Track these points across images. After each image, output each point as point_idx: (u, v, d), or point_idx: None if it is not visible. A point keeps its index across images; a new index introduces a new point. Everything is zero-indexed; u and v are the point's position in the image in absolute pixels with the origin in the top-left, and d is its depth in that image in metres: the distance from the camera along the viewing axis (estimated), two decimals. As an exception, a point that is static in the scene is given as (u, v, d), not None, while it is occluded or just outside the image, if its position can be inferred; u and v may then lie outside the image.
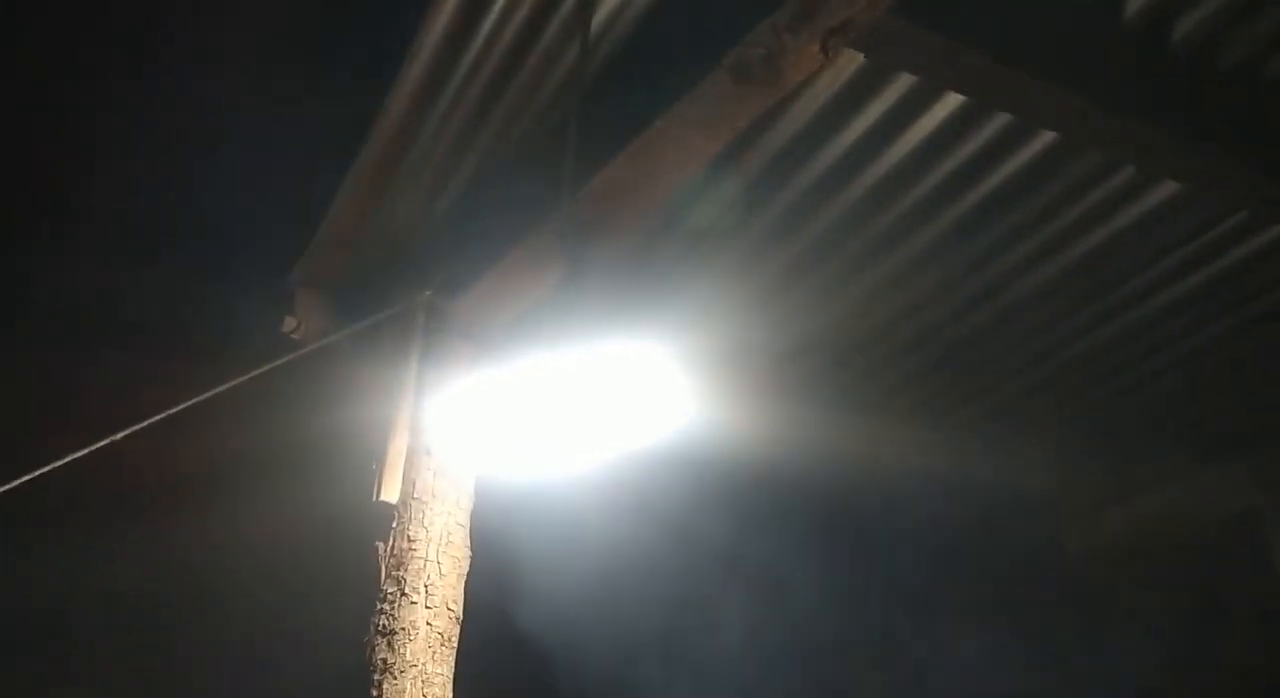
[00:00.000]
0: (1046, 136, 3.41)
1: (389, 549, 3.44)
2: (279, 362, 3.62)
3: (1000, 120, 3.38)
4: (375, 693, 3.24)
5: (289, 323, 3.97)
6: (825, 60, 2.87)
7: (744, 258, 3.89)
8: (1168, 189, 3.59)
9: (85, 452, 3.25)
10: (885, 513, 4.65)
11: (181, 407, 3.41)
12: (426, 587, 3.37)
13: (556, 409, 3.42)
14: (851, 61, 3.18)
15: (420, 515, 3.47)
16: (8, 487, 3.06)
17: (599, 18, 3.05)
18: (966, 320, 4.24)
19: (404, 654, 3.28)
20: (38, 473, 3.14)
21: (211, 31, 3.71)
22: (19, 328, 3.97)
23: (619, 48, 3.17)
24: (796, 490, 4.47)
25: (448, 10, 3.05)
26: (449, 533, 3.49)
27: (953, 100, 3.32)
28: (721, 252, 3.87)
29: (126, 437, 3.25)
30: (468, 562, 3.48)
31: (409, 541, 3.44)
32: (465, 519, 3.54)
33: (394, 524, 3.47)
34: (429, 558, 3.42)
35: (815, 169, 3.57)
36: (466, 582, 3.44)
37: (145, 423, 3.35)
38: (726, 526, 4.56)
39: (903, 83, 3.28)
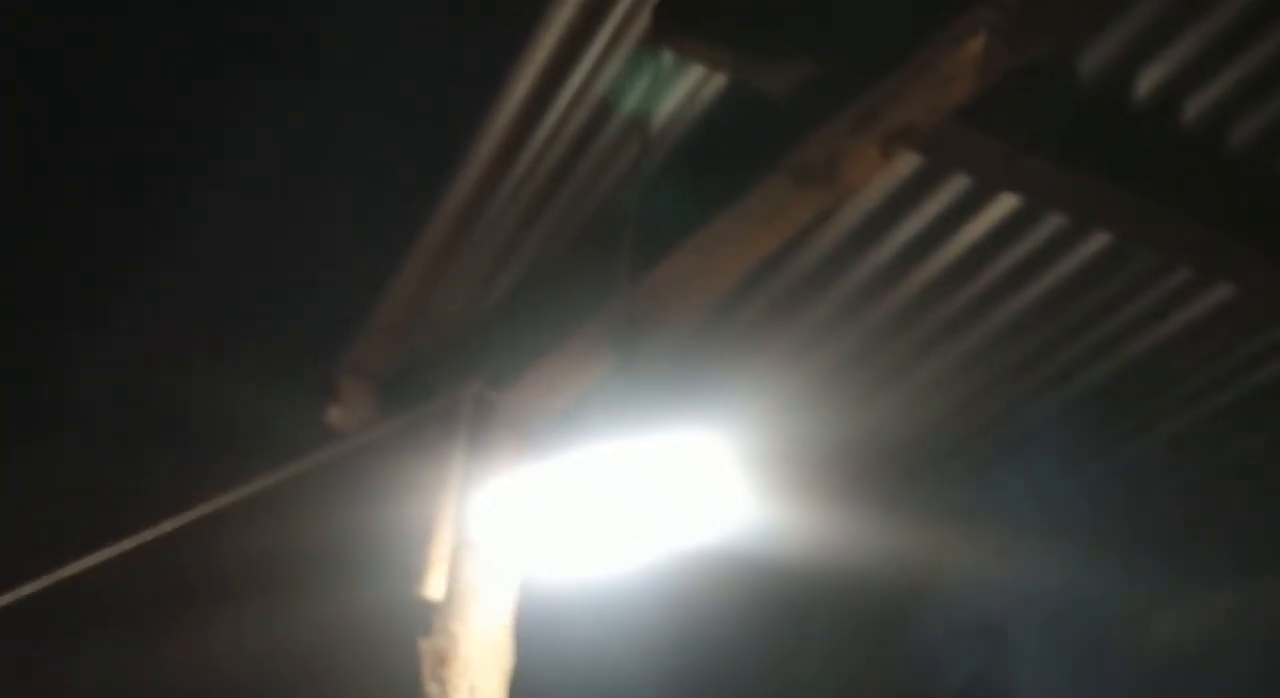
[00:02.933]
0: (1102, 238, 3.40)
1: (431, 647, 3.38)
2: (323, 455, 3.60)
3: (1055, 221, 3.38)
4: (417, 796, 3.17)
5: (334, 413, 3.95)
6: (885, 163, 2.89)
7: (794, 351, 3.87)
8: (1225, 291, 3.56)
9: (126, 547, 3.22)
10: (937, 617, 4.56)
11: (222, 502, 3.39)
12: (470, 687, 3.30)
13: (604, 505, 3.38)
14: (909, 161, 3.19)
15: (464, 613, 3.41)
16: (47, 582, 3.02)
17: (661, 114, 3.06)
18: (1014, 421, 4.19)
19: (448, 756, 3.20)
20: (77, 568, 3.11)
21: (265, 118, 3.75)
22: (58, 425, 3.95)
23: (680, 144, 3.17)
24: (844, 591, 4.38)
25: (512, 103, 3.06)
26: (493, 631, 3.42)
27: (1008, 201, 3.32)
28: (772, 344, 3.85)
29: (168, 534, 3.22)
30: (511, 661, 3.42)
31: (452, 638, 3.38)
32: (509, 617, 3.48)
33: (437, 621, 3.41)
34: (472, 656, 3.36)
35: (869, 264, 3.56)
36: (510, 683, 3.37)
37: (187, 518, 3.33)
38: (775, 626, 4.47)
39: (958, 183, 3.28)
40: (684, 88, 3.03)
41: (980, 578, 4.55)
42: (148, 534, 3.26)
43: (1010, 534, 4.50)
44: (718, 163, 3.09)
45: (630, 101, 3.06)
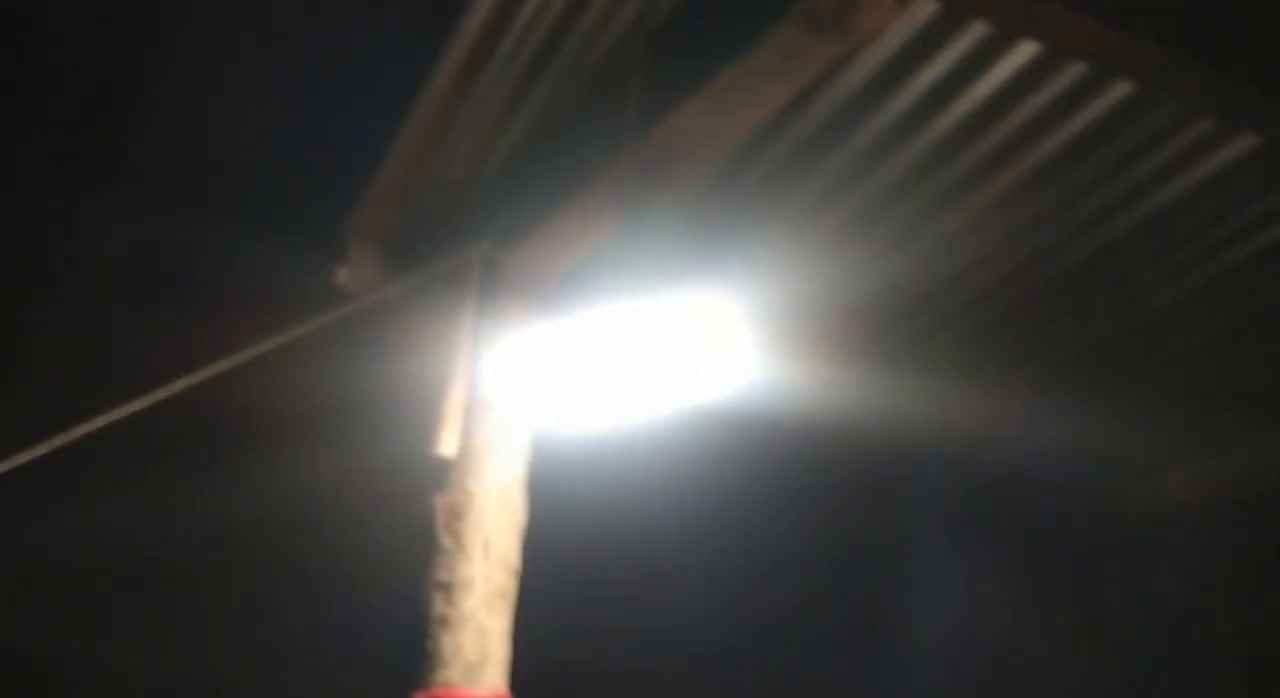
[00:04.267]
0: (1123, 87, 3.31)
1: (446, 503, 3.43)
2: (332, 314, 3.60)
3: (1075, 70, 3.28)
4: (433, 646, 3.25)
5: (342, 274, 3.94)
6: (899, 8, 2.81)
7: (808, 207, 3.80)
8: (1247, 142, 3.48)
9: (144, 403, 3.26)
10: (946, 473, 4.59)
11: (236, 359, 3.41)
12: (484, 540, 3.35)
13: (615, 362, 3.39)
14: (924, 9, 3.09)
15: (478, 469, 3.45)
16: (71, 436, 3.07)
17: (666, -38, 2.97)
18: (1033, 275, 4.15)
19: (462, 608, 3.27)
20: (100, 423, 3.15)
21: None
22: (77, 281, 3.97)
23: (686, -8, 3.09)
24: (855, 449, 4.41)
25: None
26: (506, 487, 3.47)
27: (1027, 48, 3.22)
28: (785, 201, 3.79)
29: (185, 389, 3.26)
30: (525, 516, 3.47)
31: (466, 494, 3.42)
32: (522, 473, 3.51)
33: (451, 478, 3.45)
34: (486, 512, 3.41)
35: (884, 117, 3.48)
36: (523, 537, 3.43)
37: (203, 375, 3.35)
38: (783, 485, 4.51)
39: (976, 30, 3.18)
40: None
41: (993, 434, 4.57)
42: (174, 386, 3.29)
43: (1026, 390, 4.50)
44: (727, 10, 3.00)
45: (636, -53, 2.97)
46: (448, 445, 3.48)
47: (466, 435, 3.50)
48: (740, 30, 2.93)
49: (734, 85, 2.97)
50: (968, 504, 4.88)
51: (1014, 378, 4.57)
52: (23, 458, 3.21)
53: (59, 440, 3.21)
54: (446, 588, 3.30)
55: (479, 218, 3.79)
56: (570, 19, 3.20)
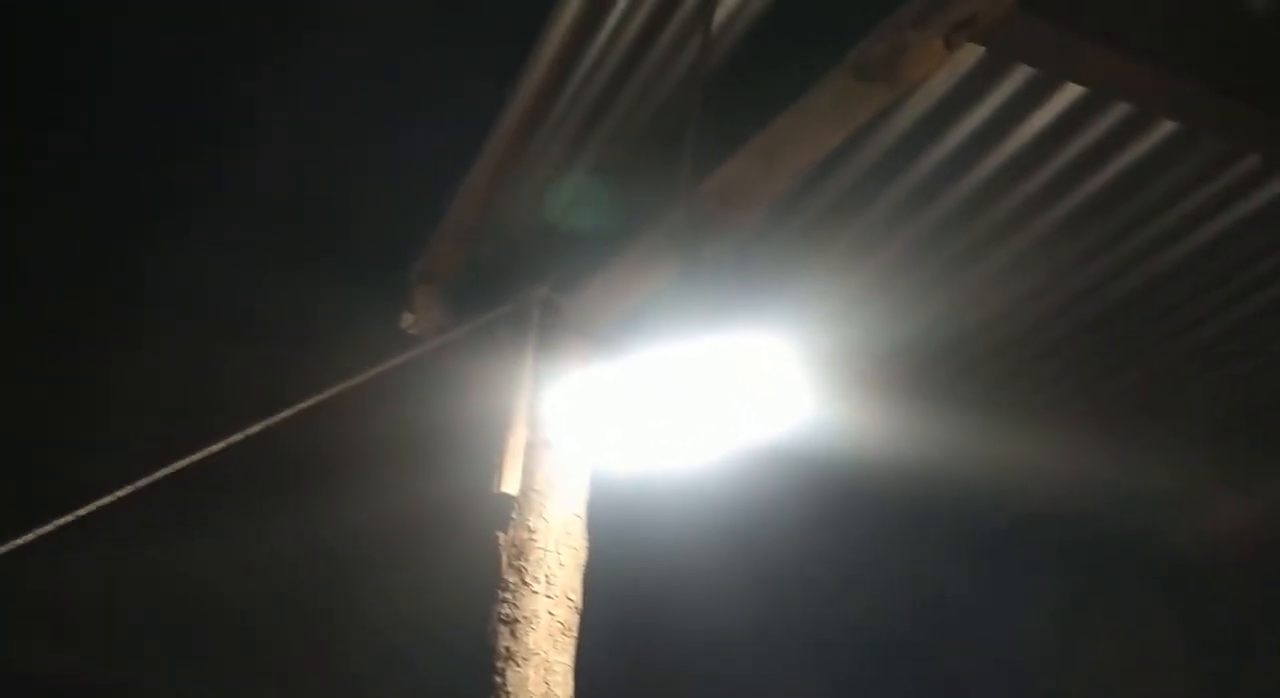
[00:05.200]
0: (1166, 127, 3.37)
1: (509, 540, 3.51)
2: (399, 358, 3.71)
3: (1119, 110, 3.35)
4: (498, 681, 3.32)
5: (407, 318, 4.06)
6: (948, 56, 2.88)
7: (856, 249, 3.89)
8: (1291, 177, 3.53)
9: (217, 446, 3.36)
10: (991, 507, 4.62)
11: (307, 403, 3.51)
12: (547, 576, 3.43)
13: (671, 403, 3.47)
14: (970, 54, 3.17)
15: (540, 507, 3.54)
16: (153, 478, 3.17)
17: (721, 12, 3.08)
18: (1076, 312, 4.20)
19: (526, 643, 3.35)
20: (175, 466, 3.26)
21: (339, 30, 3.79)
22: (148, 320, 4.09)
23: (740, 42, 3.19)
24: (903, 487, 4.45)
25: (572, 8, 3.09)
26: (567, 524, 3.55)
27: (1071, 91, 3.29)
28: (834, 243, 3.87)
29: (258, 431, 3.36)
30: (585, 552, 3.55)
31: (529, 531, 3.51)
32: (582, 510, 3.60)
33: (514, 515, 3.54)
34: (549, 548, 3.49)
35: (930, 160, 3.56)
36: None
37: (275, 418, 3.46)
38: (838, 525, 4.56)
39: (1020, 74, 3.26)
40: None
41: (1033, 470, 4.59)
42: (248, 429, 3.39)
43: (1069, 425, 4.54)
44: (780, 60, 3.10)
45: None
46: (510, 483, 3.57)
47: (528, 474, 3.59)
48: (793, 79, 3.03)
49: (787, 133, 3.06)
50: (1012, 538, 4.89)
51: (1056, 413, 4.60)
52: (104, 500, 3.32)
53: (140, 483, 3.32)
54: (511, 623, 3.37)
55: (540, 262, 3.89)
56: (629, 69, 3.31)
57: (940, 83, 3.31)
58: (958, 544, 4.84)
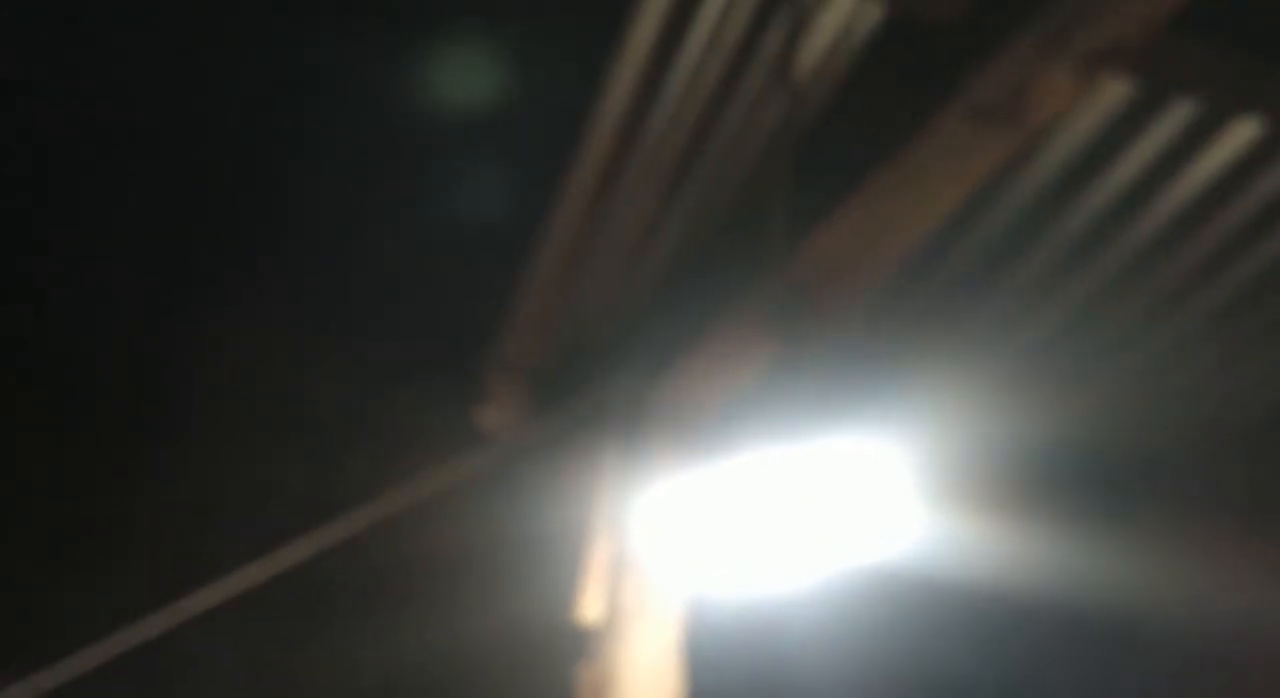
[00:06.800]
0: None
1: (590, 676, 3.06)
2: (474, 460, 3.33)
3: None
4: None
5: (485, 413, 3.68)
6: (1083, 92, 2.40)
7: (988, 333, 3.37)
8: None
9: (265, 570, 3.04)
10: (1137, 628, 3.95)
11: (367, 514, 3.16)
12: (633, 720, 2.97)
13: (775, 514, 3.00)
14: (1116, 88, 2.65)
15: (625, 636, 3.08)
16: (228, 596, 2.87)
17: (808, 58, 2.62)
18: (1231, 416, 3.58)
19: (610, 802, 2.89)
20: (239, 572, 2.95)
21: (401, 109, 3.53)
22: (204, 417, 3.84)
23: (833, 90, 2.73)
24: (1036, 609, 3.82)
25: (635, 64, 2.68)
26: (658, 657, 3.08)
27: (1246, 127, 2.74)
28: (956, 329, 3.36)
29: (313, 550, 3.03)
30: (682, 692, 3.07)
31: (613, 665, 3.05)
32: (677, 641, 3.12)
33: (595, 646, 3.09)
34: (636, 686, 3.02)
35: (1072, 223, 3.04)
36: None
37: (333, 534, 3.12)
38: (960, 651, 3.99)
39: (1181, 109, 2.72)
40: (832, 24, 2.58)
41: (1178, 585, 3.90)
42: (299, 546, 3.08)
43: (1214, 548, 3.85)
44: (880, 108, 2.64)
45: (771, 45, 2.63)
46: (591, 609, 3.13)
47: (612, 597, 3.14)
48: (896, 129, 2.56)
49: (891, 190, 2.59)
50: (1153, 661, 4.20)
51: (1201, 529, 3.92)
52: (146, 629, 3.02)
53: (178, 607, 3.01)
54: (593, 775, 2.92)
55: (623, 348, 3.47)
56: (707, 126, 2.87)
57: (1084, 124, 2.79)
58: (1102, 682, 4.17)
